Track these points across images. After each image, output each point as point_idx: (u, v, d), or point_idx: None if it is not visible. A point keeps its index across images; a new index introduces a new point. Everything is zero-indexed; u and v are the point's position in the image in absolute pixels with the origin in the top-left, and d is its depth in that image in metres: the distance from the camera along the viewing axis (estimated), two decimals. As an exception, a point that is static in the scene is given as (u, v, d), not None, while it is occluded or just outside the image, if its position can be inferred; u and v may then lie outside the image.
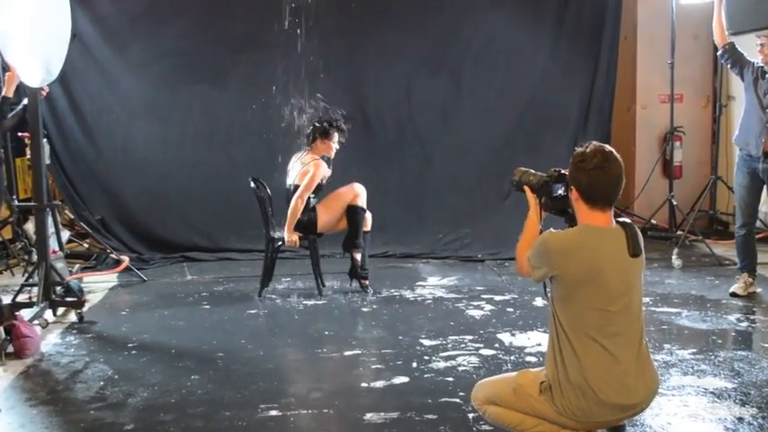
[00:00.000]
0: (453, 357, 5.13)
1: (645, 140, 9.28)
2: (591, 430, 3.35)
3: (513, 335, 5.59)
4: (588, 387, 3.18)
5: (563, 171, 3.42)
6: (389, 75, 8.59)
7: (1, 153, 6.39)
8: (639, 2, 9.20)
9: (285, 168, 6.83)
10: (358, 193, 6.72)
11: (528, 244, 3.41)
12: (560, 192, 3.44)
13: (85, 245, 8.29)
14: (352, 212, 6.70)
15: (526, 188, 3.56)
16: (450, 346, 5.37)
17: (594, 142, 3.32)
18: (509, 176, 3.67)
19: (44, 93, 6.27)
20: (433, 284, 7.11)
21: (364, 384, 4.73)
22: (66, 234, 8.12)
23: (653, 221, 8.44)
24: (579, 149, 3.28)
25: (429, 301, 6.57)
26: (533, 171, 3.59)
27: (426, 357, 5.15)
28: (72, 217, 8.17)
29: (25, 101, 6.21)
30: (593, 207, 3.25)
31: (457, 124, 8.61)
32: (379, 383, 4.73)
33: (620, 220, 3.33)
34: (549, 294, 3.37)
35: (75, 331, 5.89)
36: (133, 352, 5.42)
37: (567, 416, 3.26)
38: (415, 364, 5.02)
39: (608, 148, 3.27)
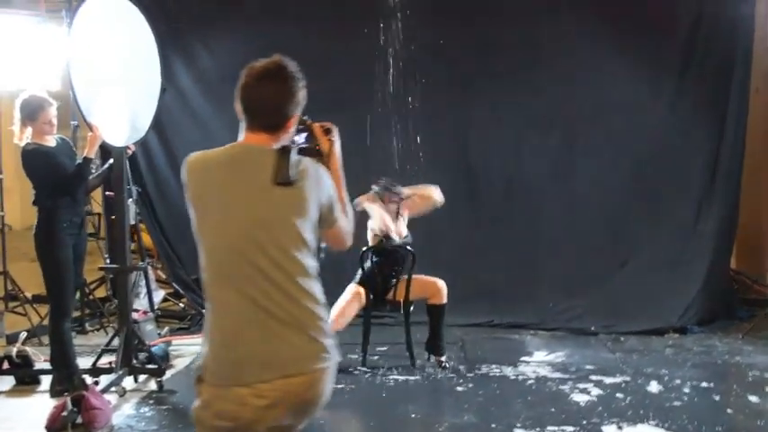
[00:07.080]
0: (549, 454, 4.57)
1: (781, 205, 8.39)
2: None
3: (619, 427, 4.97)
4: None
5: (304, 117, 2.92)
6: (497, 130, 8.09)
7: (84, 212, 6.19)
8: (772, 49, 8.39)
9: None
10: (441, 288, 6.31)
11: None
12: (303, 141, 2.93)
13: (181, 305, 8.09)
14: (436, 313, 6.31)
15: None
16: (547, 439, 4.81)
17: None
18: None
19: (130, 151, 6.06)
20: (539, 360, 6.53)
21: (446, 484, 4.23)
22: (161, 293, 7.96)
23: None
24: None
25: (531, 381, 6.00)
26: None
27: (519, 453, 4.61)
28: (164, 276, 8.00)
29: (111, 161, 5.99)
30: None
31: (569, 184, 8.01)
32: (463, 484, 4.22)
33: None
34: None
35: (152, 402, 5.62)
36: (205, 430, 5.06)
37: None
38: (505, 461, 4.49)
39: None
